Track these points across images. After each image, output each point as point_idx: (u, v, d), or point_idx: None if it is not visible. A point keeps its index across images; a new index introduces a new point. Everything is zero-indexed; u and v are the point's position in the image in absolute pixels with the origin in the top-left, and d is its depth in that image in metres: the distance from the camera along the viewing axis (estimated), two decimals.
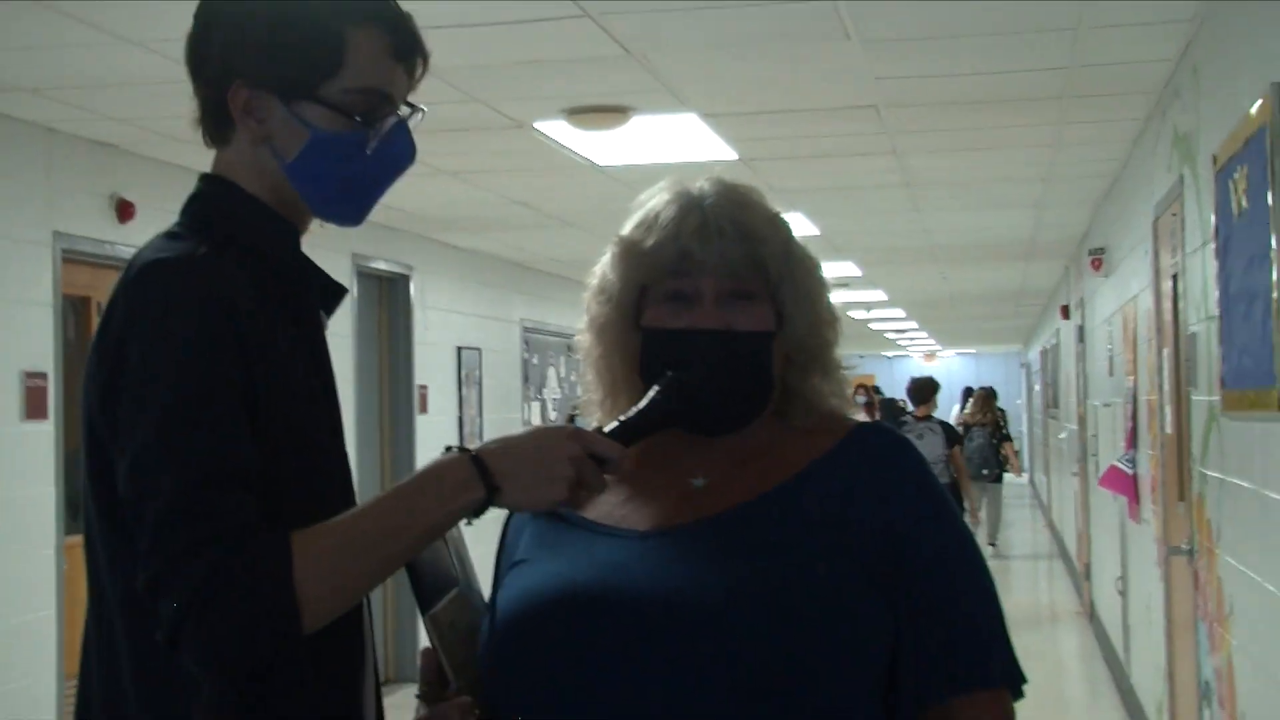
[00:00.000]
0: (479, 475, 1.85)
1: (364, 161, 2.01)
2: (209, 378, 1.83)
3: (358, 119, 1.99)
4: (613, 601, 1.85)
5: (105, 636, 1.96)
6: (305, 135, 1.99)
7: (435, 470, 1.87)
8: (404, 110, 2.05)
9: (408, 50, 2.03)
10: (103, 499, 1.92)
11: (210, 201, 2.06)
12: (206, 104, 2.05)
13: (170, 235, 2.01)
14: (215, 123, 2.06)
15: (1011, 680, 1.93)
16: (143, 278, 1.90)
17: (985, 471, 18.03)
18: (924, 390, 14.49)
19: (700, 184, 2.04)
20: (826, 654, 1.81)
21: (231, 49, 2.01)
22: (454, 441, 11.25)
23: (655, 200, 2.04)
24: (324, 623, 1.83)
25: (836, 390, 2.07)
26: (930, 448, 13.17)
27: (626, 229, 2.05)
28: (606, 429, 1.92)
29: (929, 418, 14.17)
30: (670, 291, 1.99)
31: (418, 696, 1.94)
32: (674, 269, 1.98)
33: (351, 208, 2.07)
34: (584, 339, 2.11)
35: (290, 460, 1.91)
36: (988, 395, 19.53)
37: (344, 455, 2.08)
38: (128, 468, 1.83)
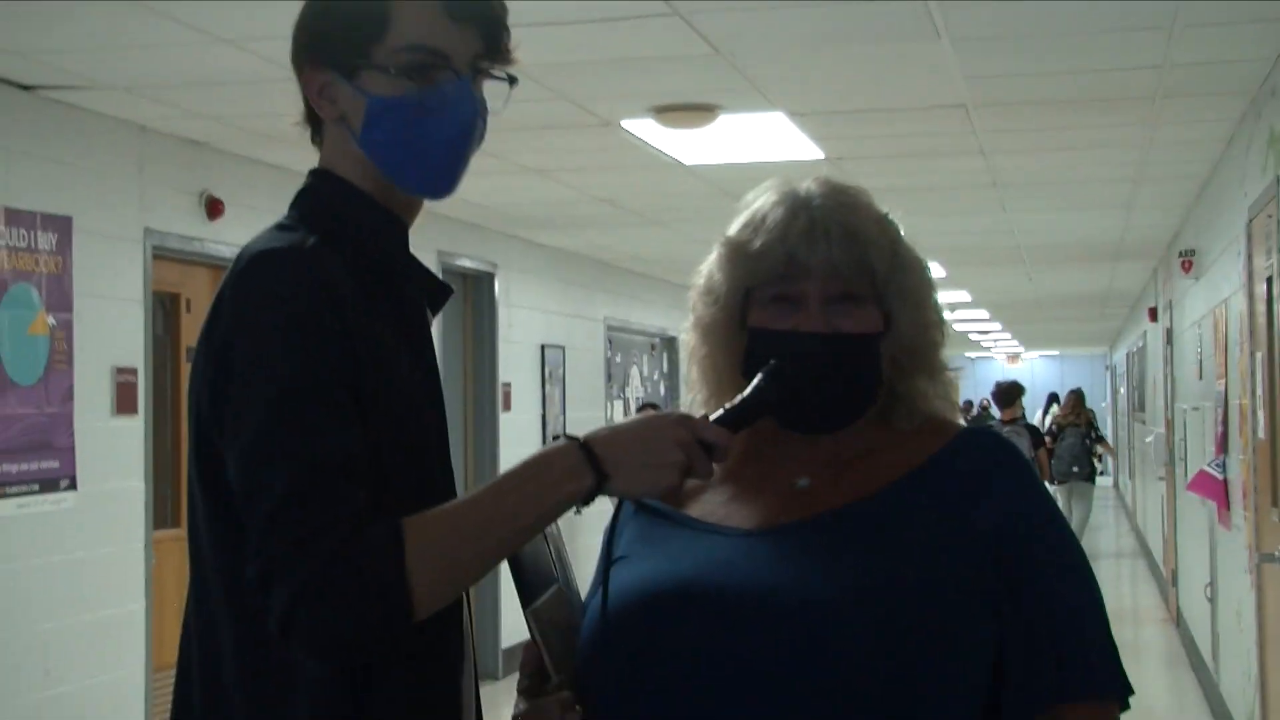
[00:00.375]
0: (588, 462, 1.84)
1: (425, 122, 2.00)
2: (317, 368, 1.84)
3: (407, 76, 1.98)
4: (716, 597, 1.84)
5: (207, 626, 1.97)
6: (364, 103, 2.01)
7: (544, 458, 1.86)
8: (470, 71, 2.02)
9: (462, 9, 2.01)
10: (211, 491, 1.93)
11: (315, 194, 2.07)
12: (304, 102, 2.07)
13: (280, 227, 2.02)
14: (310, 118, 2.10)
15: (1119, 691, 1.90)
16: (251, 268, 1.91)
17: (1076, 469, 18.26)
18: (1010, 394, 15.10)
19: (807, 185, 2.02)
20: (933, 653, 1.79)
21: (297, 38, 2.06)
22: (536, 439, 11.31)
23: (761, 201, 2.02)
24: (434, 610, 1.83)
25: (941, 393, 2.05)
26: None
27: (733, 230, 2.04)
28: (713, 416, 1.91)
29: (1015, 420, 14.75)
30: (776, 294, 1.98)
31: (519, 691, 1.94)
32: (780, 272, 1.97)
33: (428, 173, 2.04)
34: (689, 339, 2.10)
35: (394, 453, 1.91)
36: (1078, 396, 19.84)
37: (447, 450, 2.07)
38: (238, 460, 1.84)
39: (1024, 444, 13.65)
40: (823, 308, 1.96)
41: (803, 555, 1.87)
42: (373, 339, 1.92)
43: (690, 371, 2.10)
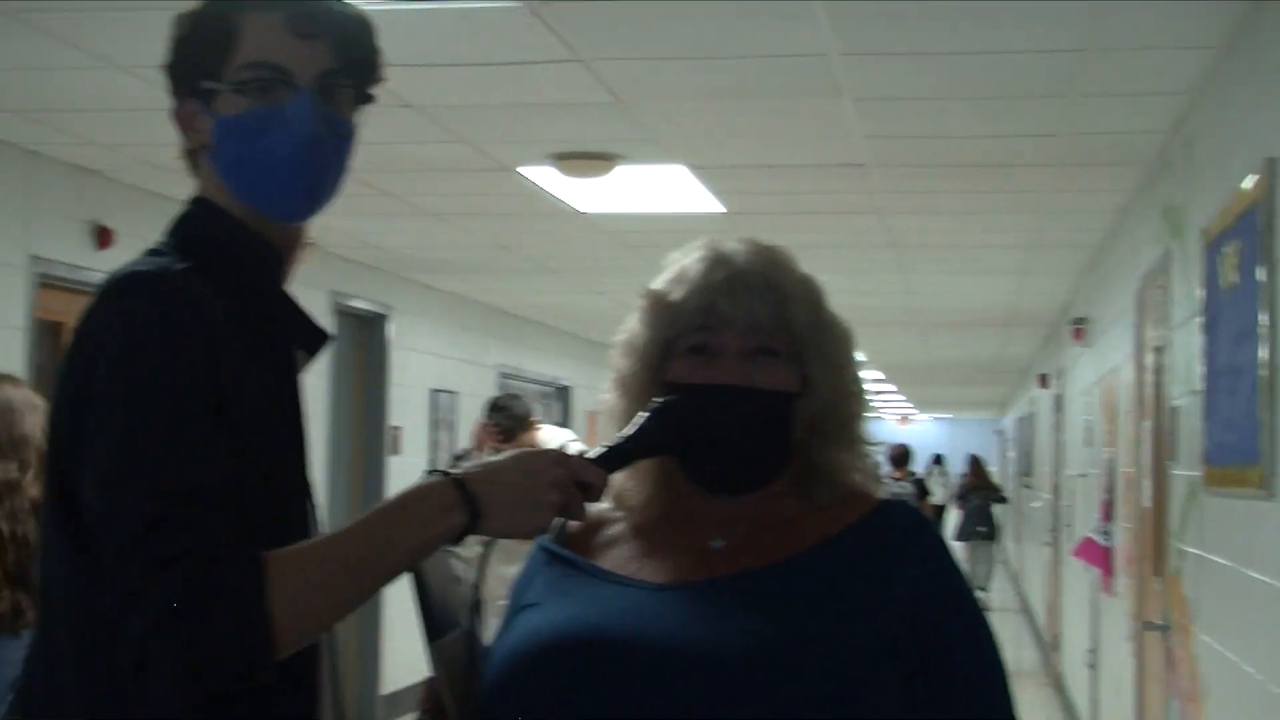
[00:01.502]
0: (463, 500, 1.80)
1: (263, 139, 1.96)
2: (180, 392, 1.78)
3: (245, 94, 1.95)
4: (622, 646, 1.81)
5: (52, 671, 1.89)
6: (212, 125, 1.99)
7: (416, 494, 1.82)
8: (317, 87, 1.98)
9: (307, 25, 1.97)
10: (65, 528, 1.86)
11: (190, 221, 2.03)
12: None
13: (151, 252, 1.98)
14: (185, 150, 2.07)
15: None
16: (114, 291, 1.86)
17: (980, 529, 20.39)
18: (901, 457, 18.23)
19: (733, 244, 2.01)
20: (838, 715, 1.76)
21: (167, 70, 2.04)
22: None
23: (687, 258, 2.01)
24: (297, 647, 1.77)
25: (860, 465, 2.03)
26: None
27: (656, 284, 2.02)
28: (590, 454, 1.89)
29: (905, 477, 17.84)
30: (694, 345, 1.96)
31: None
32: (699, 323, 1.95)
33: (274, 193, 2.00)
34: (608, 397, 2.07)
35: (251, 490, 1.84)
36: (978, 462, 22.06)
37: (308, 493, 2.01)
38: (94, 486, 1.77)
39: (910, 496, 16.52)
40: (740, 361, 1.94)
41: (712, 611, 1.84)
42: (238, 371, 1.86)
43: (608, 431, 2.06)
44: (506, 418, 8.12)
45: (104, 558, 1.75)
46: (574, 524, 1.99)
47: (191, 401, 1.78)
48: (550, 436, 8.33)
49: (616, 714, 1.77)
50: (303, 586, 1.75)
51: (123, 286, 1.86)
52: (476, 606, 1.96)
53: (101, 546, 1.76)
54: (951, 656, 1.87)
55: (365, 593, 1.81)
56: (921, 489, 18.26)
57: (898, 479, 17.59)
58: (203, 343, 1.82)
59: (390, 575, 1.82)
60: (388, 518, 1.81)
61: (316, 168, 1.99)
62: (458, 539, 1.82)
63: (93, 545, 1.79)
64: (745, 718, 1.74)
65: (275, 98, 1.96)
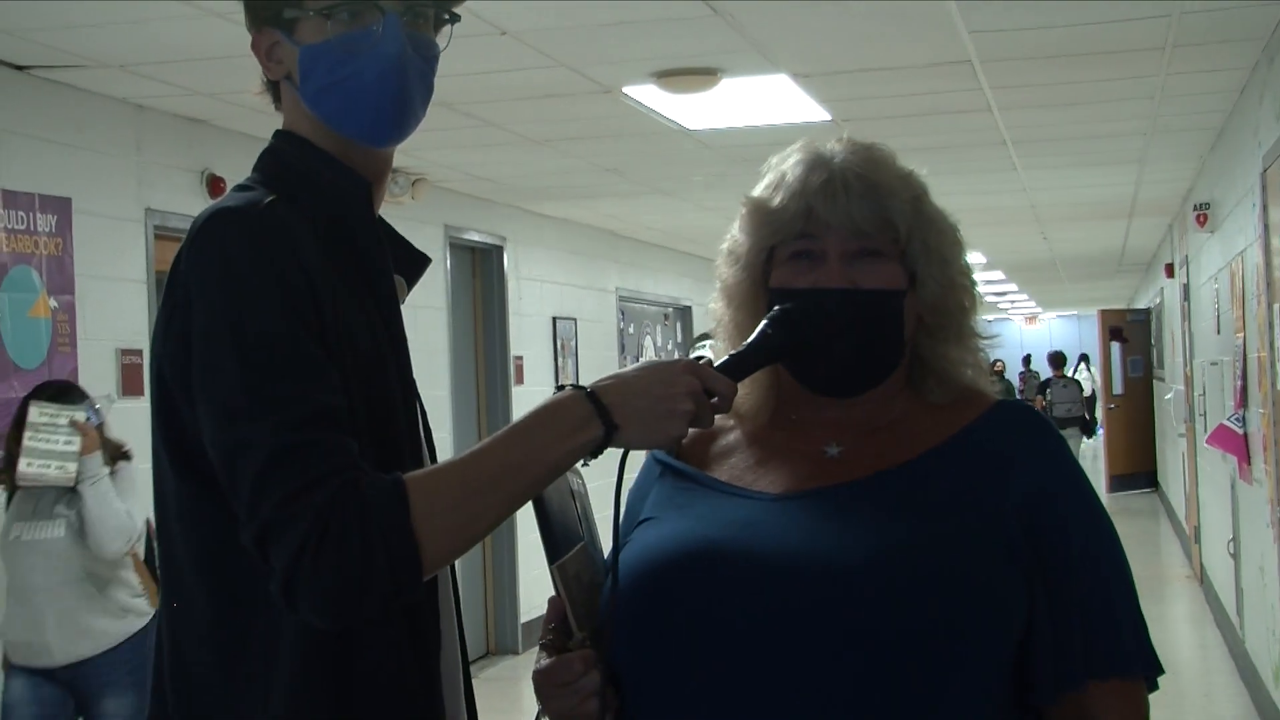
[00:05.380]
0: (597, 413, 1.79)
1: (351, 64, 1.95)
2: (285, 319, 1.78)
3: (331, 18, 1.94)
4: (741, 559, 1.81)
5: (180, 605, 1.91)
6: (297, 54, 1.97)
7: (552, 408, 1.81)
8: (402, 9, 1.98)
9: None
10: (179, 461, 1.87)
11: (276, 154, 2.03)
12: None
13: (240, 187, 1.98)
14: (268, 83, 2.07)
15: (1147, 670, 1.88)
16: (207, 227, 1.86)
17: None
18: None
19: (831, 144, 1.99)
20: (964, 624, 1.75)
21: (246, 2, 2.03)
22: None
23: (785, 162, 1.99)
24: (443, 565, 1.79)
25: (972, 360, 2.00)
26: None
27: (756, 190, 2.01)
28: (716, 364, 1.88)
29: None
30: (796, 251, 1.95)
31: (541, 645, 1.90)
32: (800, 228, 1.94)
33: (364, 117, 1.99)
34: (716, 306, 2.06)
35: (361, 422, 1.84)
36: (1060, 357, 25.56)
37: (415, 422, 2.00)
38: (214, 420, 1.78)
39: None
40: (843, 264, 1.92)
41: (829, 521, 1.83)
42: (334, 303, 1.85)
43: (717, 339, 2.06)
44: None
45: (236, 494, 1.75)
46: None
47: (297, 328, 1.78)
48: None
49: (732, 629, 1.76)
50: (444, 506, 1.75)
51: (212, 223, 1.86)
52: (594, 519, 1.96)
53: (232, 483, 1.76)
54: (1069, 558, 1.85)
55: (504, 511, 1.80)
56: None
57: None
58: (298, 271, 1.81)
59: (528, 493, 1.82)
60: (523, 435, 1.80)
61: (404, 90, 1.98)
62: (595, 452, 1.81)
63: (213, 482, 1.79)
64: (867, 627, 1.73)
65: (361, 21, 1.94)
